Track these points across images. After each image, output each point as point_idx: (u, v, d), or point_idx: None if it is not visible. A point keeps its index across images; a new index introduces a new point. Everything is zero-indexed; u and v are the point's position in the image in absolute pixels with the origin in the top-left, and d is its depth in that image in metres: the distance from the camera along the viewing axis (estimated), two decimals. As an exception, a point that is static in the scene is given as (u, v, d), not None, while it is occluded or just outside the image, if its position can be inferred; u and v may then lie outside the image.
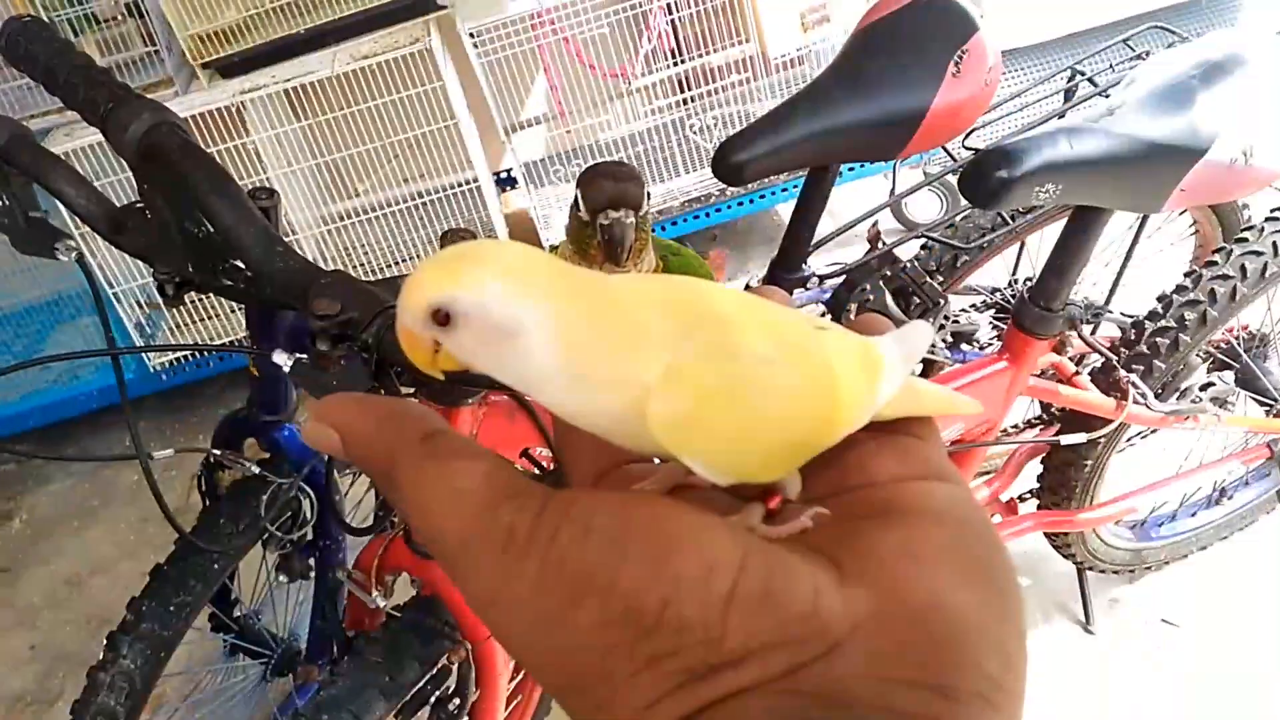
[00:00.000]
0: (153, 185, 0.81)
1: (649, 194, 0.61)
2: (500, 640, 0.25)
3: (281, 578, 1.35)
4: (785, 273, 1.40)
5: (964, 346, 1.58)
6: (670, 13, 2.49)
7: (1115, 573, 1.66)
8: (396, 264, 2.57)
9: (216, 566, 1.25)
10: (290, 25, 2.31)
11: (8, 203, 1.00)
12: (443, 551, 0.26)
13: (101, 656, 1.21)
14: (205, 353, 2.40)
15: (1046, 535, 1.55)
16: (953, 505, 0.27)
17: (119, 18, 2.32)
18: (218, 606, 1.46)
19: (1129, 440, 1.52)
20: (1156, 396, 1.28)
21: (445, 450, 0.27)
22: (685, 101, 2.62)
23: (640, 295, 0.27)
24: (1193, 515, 1.67)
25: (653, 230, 0.67)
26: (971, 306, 1.69)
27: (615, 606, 0.23)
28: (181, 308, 2.49)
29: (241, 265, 0.79)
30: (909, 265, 1.49)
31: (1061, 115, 1.40)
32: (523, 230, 2.67)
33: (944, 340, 1.49)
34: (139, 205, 0.87)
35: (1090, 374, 1.30)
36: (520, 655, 0.25)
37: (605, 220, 0.59)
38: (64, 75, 0.84)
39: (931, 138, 1.23)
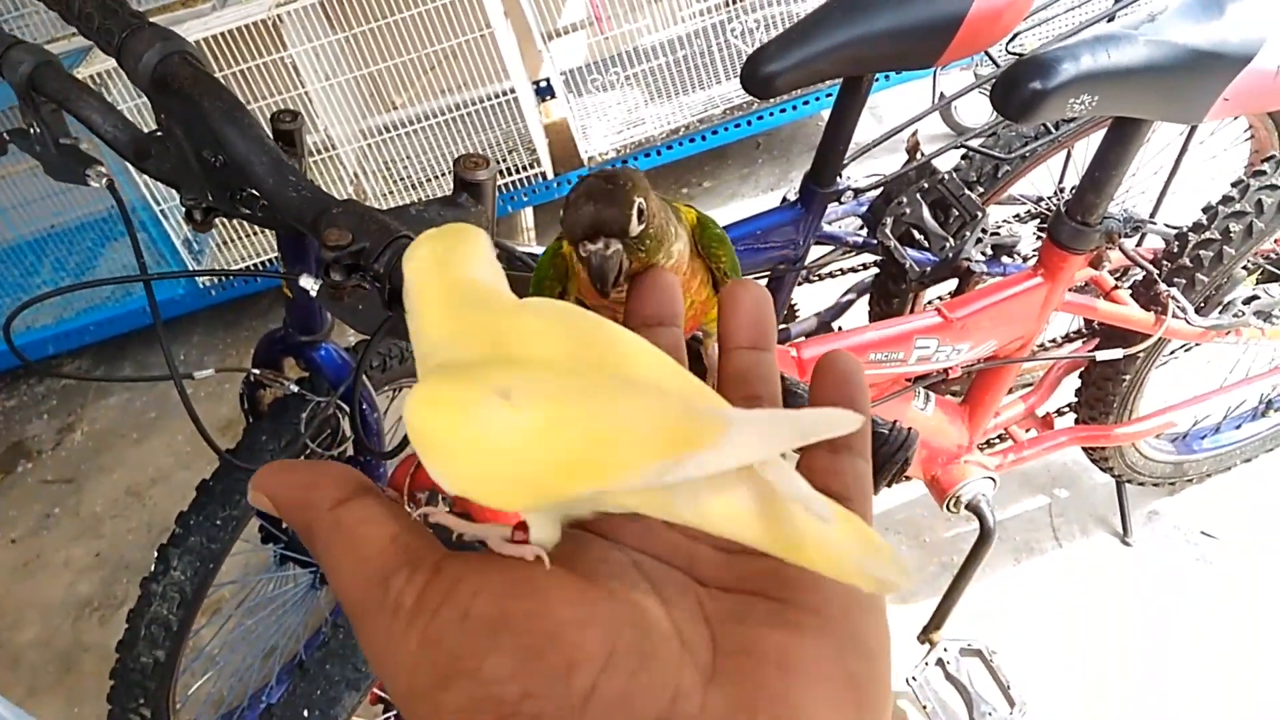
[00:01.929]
0: (169, 115, 0.82)
1: (640, 209, 0.51)
2: (389, 696, 0.27)
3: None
4: (819, 186, 1.37)
5: (1005, 259, 1.55)
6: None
7: (1155, 485, 1.64)
8: (437, 177, 2.58)
9: (260, 481, 1.29)
10: (322, -66, 2.28)
11: (39, 130, 1.01)
12: (346, 609, 0.28)
13: (153, 568, 1.27)
14: (234, 276, 2.44)
15: (1085, 449, 1.53)
16: (846, 613, 0.27)
17: (154, -69, 2.31)
18: (265, 519, 1.51)
19: (1171, 354, 1.49)
20: (1198, 310, 1.25)
21: (351, 519, 0.29)
22: (728, 3, 2.55)
23: (522, 331, 0.30)
24: (1237, 428, 1.64)
25: (671, 221, 0.55)
26: (1014, 217, 1.65)
27: (479, 692, 0.24)
28: (223, 225, 2.52)
29: (257, 194, 0.80)
30: (947, 177, 1.46)
31: (1111, 18, 1.34)
32: (562, 141, 2.64)
33: (983, 253, 1.46)
34: (159, 133, 0.87)
35: (1131, 287, 1.27)
36: (402, 713, 0.26)
37: (583, 253, 0.51)
38: (79, 4, 0.84)
39: (970, 44, 1.18)
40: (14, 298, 2.72)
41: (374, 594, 0.27)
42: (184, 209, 0.94)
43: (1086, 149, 1.46)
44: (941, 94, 1.72)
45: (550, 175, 2.56)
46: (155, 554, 1.26)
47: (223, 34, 2.23)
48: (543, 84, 2.81)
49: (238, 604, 1.59)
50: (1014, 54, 1.35)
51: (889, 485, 0.65)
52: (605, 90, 2.63)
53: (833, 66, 1.18)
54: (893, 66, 1.22)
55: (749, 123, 2.57)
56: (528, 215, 2.74)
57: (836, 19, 1.15)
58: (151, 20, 0.83)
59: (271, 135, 0.93)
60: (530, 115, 2.51)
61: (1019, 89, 0.92)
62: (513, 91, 2.44)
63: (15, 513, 2.41)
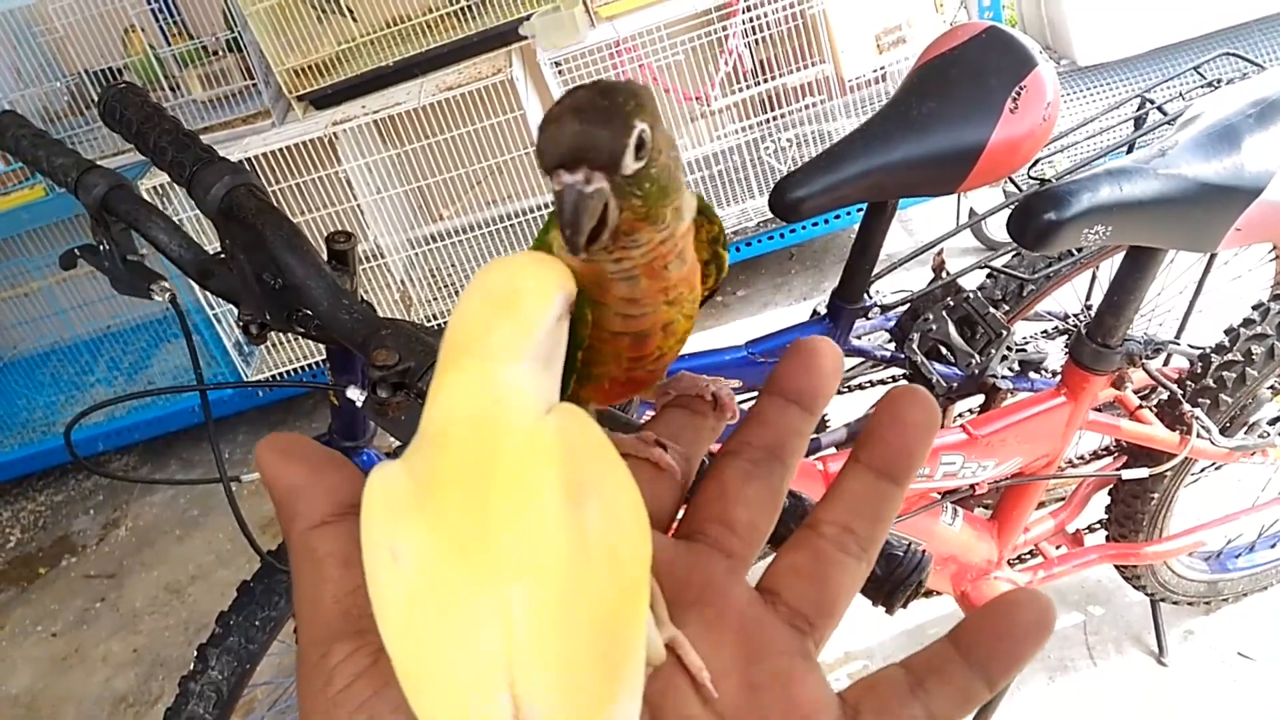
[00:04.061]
0: (233, 240, 0.88)
1: (642, 138, 0.37)
2: None
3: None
4: (846, 303, 1.42)
5: (1033, 375, 1.57)
6: (746, 36, 2.52)
7: (1190, 604, 1.63)
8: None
9: (299, 583, 1.32)
10: (380, 58, 2.42)
11: (108, 248, 1.09)
12: (298, 641, 0.28)
13: (192, 667, 1.29)
14: (285, 387, 2.52)
15: (1117, 567, 1.53)
16: None
17: (220, 52, 2.46)
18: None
19: (1199, 473, 1.49)
20: (1223, 431, 1.26)
21: (323, 550, 0.28)
22: (764, 123, 2.65)
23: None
24: (1272, 546, 1.62)
25: (683, 171, 0.41)
26: (1042, 334, 1.68)
27: None
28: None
29: (311, 314, 0.86)
30: (973, 295, 1.49)
31: (1130, 147, 1.39)
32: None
33: (1010, 369, 1.49)
34: (222, 255, 0.94)
35: (1156, 407, 1.29)
36: None
37: (556, 186, 0.37)
38: (154, 139, 0.91)
39: (990, 172, 1.24)
40: (68, 394, 2.82)
41: (315, 652, 0.27)
42: (241, 323, 1.00)
43: (1111, 269, 1.49)
44: (971, 210, 1.78)
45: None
46: (194, 653, 1.29)
47: (281, 149, 2.35)
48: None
49: (269, 705, 1.61)
50: (1035, 179, 1.40)
51: (904, 606, 0.66)
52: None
53: (856, 192, 1.24)
54: (915, 193, 1.27)
55: (782, 235, 2.64)
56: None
57: (860, 148, 1.21)
58: (221, 154, 0.90)
59: (326, 253, 0.99)
60: (571, 227, 2.60)
61: (1035, 220, 0.97)
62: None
63: (57, 607, 2.46)
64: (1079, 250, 1.46)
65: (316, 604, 0.28)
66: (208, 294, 2.45)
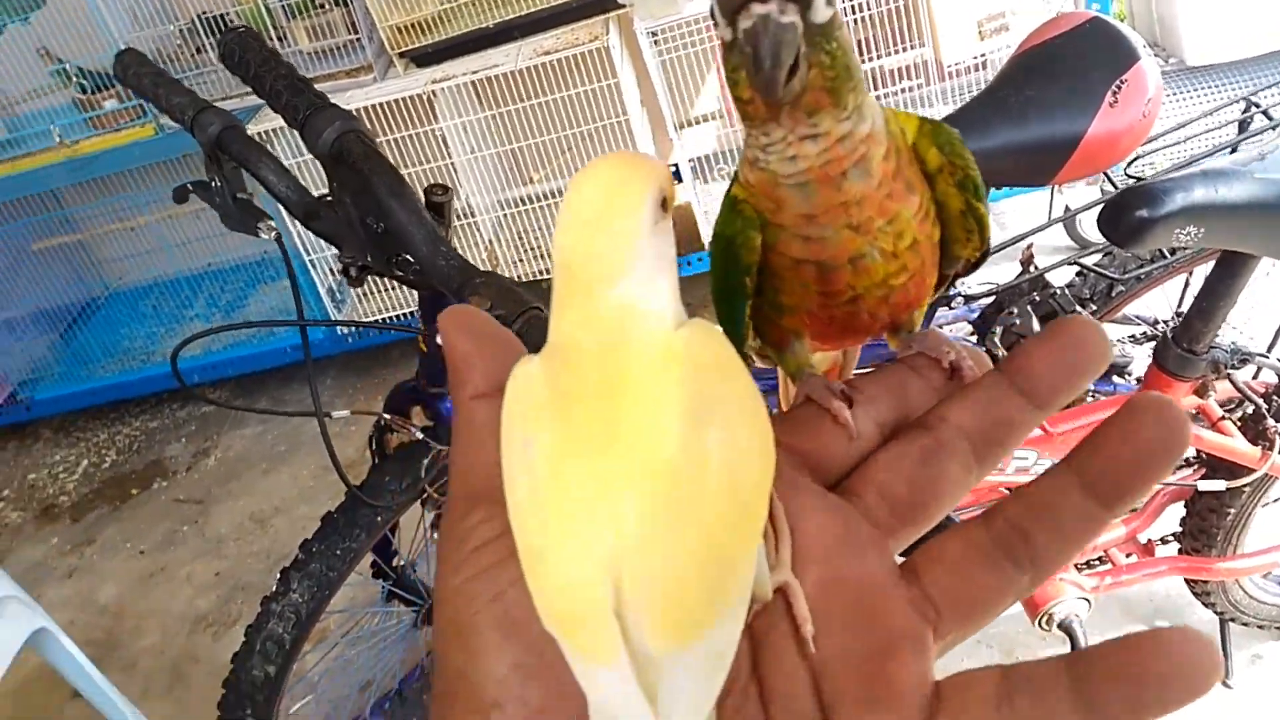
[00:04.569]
0: (340, 184, 0.93)
1: None
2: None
3: (436, 535, 1.49)
4: (971, 266, 1.42)
5: (1116, 379, 1.55)
6: (846, 15, 2.50)
7: (1260, 627, 1.59)
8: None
9: (380, 519, 1.39)
10: (480, 19, 2.46)
11: (219, 184, 1.15)
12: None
13: (274, 588, 1.37)
14: (377, 328, 2.60)
15: (1187, 581, 1.51)
16: None
17: (326, 5, 2.52)
18: (379, 555, 1.60)
19: (1282, 493, 1.46)
20: (1309, 446, 1.24)
21: (480, 418, 0.31)
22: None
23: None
24: (1354, 573, 1.58)
25: (855, 77, 0.36)
26: (1130, 338, 1.65)
27: (460, 675, 0.29)
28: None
29: (410, 259, 0.90)
30: (1060, 291, 1.48)
31: (1233, 150, 1.36)
32: (684, 223, 2.74)
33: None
34: (329, 198, 0.99)
35: (1240, 420, 1.27)
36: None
37: (746, 23, 0.34)
38: (270, 82, 0.96)
39: (1086, 165, 1.22)
40: (168, 327, 2.95)
41: (460, 509, 0.30)
42: (341, 264, 1.05)
43: (1205, 274, 1.47)
44: (1066, 206, 1.75)
45: (672, 255, 2.65)
46: (277, 575, 1.36)
47: (382, 104, 2.42)
48: (671, 168, 2.93)
49: (343, 634, 1.68)
50: (1132, 177, 1.38)
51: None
52: (729, 179, 2.73)
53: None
54: (1008, 182, 1.26)
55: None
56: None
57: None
58: (331, 100, 0.95)
59: (425, 205, 1.04)
60: (658, 197, 2.62)
61: (1126, 216, 0.96)
62: (643, 173, 2.56)
63: (147, 526, 2.59)
64: (1171, 253, 1.44)
65: (469, 467, 0.30)
66: (305, 239, 2.54)
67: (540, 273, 2.66)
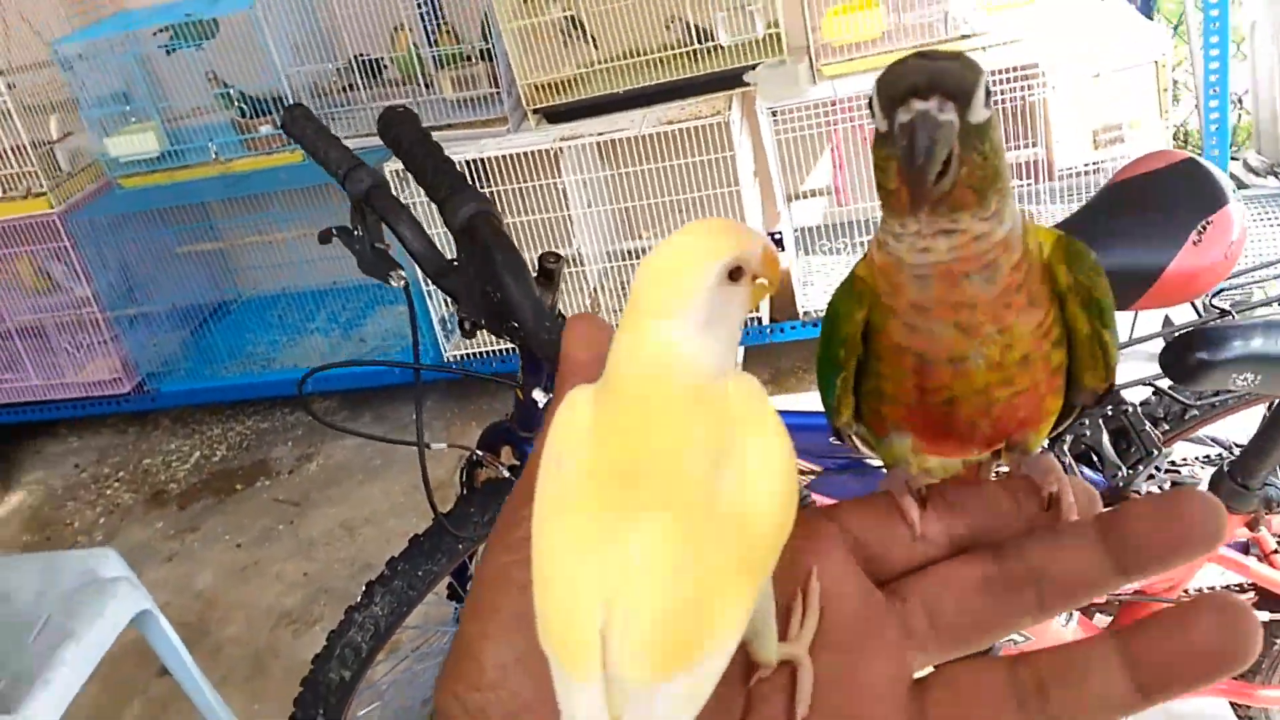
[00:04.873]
0: (467, 255, 1.05)
1: (990, 90, 0.36)
2: None
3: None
4: (1096, 399, 1.47)
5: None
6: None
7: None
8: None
9: (461, 546, 1.50)
10: (612, 85, 2.61)
11: (360, 234, 1.29)
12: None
13: (359, 599, 1.49)
14: (484, 379, 2.75)
15: (1230, 704, 1.51)
16: None
17: (472, 59, 2.71)
18: (455, 579, 1.72)
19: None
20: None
21: (559, 423, 0.33)
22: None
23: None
24: None
25: (1002, 179, 0.37)
26: (1203, 458, 1.67)
27: (482, 670, 0.32)
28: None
29: (518, 326, 1.01)
30: (1133, 408, 1.52)
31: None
32: (783, 291, 2.82)
33: (1160, 486, 1.50)
34: (455, 263, 1.11)
35: (1296, 553, 1.29)
36: None
37: (904, 116, 0.34)
38: (419, 159, 1.10)
39: (1164, 297, 1.27)
40: (290, 337, 3.15)
41: (521, 497, 0.32)
42: (459, 318, 1.18)
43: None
44: (1166, 318, 1.77)
45: (765, 321, 2.74)
46: (363, 587, 1.48)
47: (511, 155, 2.58)
48: (776, 235, 3.02)
49: (413, 648, 1.80)
50: (1216, 307, 1.42)
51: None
52: (832, 254, 2.81)
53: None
54: (1086, 304, 1.32)
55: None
56: (739, 354, 2.93)
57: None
58: (469, 184, 1.07)
59: (537, 268, 1.15)
60: (759, 266, 2.71)
61: (1186, 356, 1.02)
62: (748, 242, 2.66)
63: (246, 521, 2.77)
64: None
65: (535, 455, 0.33)
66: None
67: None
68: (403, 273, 1.28)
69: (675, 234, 0.34)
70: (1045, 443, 1.28)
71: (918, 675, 0.36)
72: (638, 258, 2.78)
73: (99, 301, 2.95)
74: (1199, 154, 2.55)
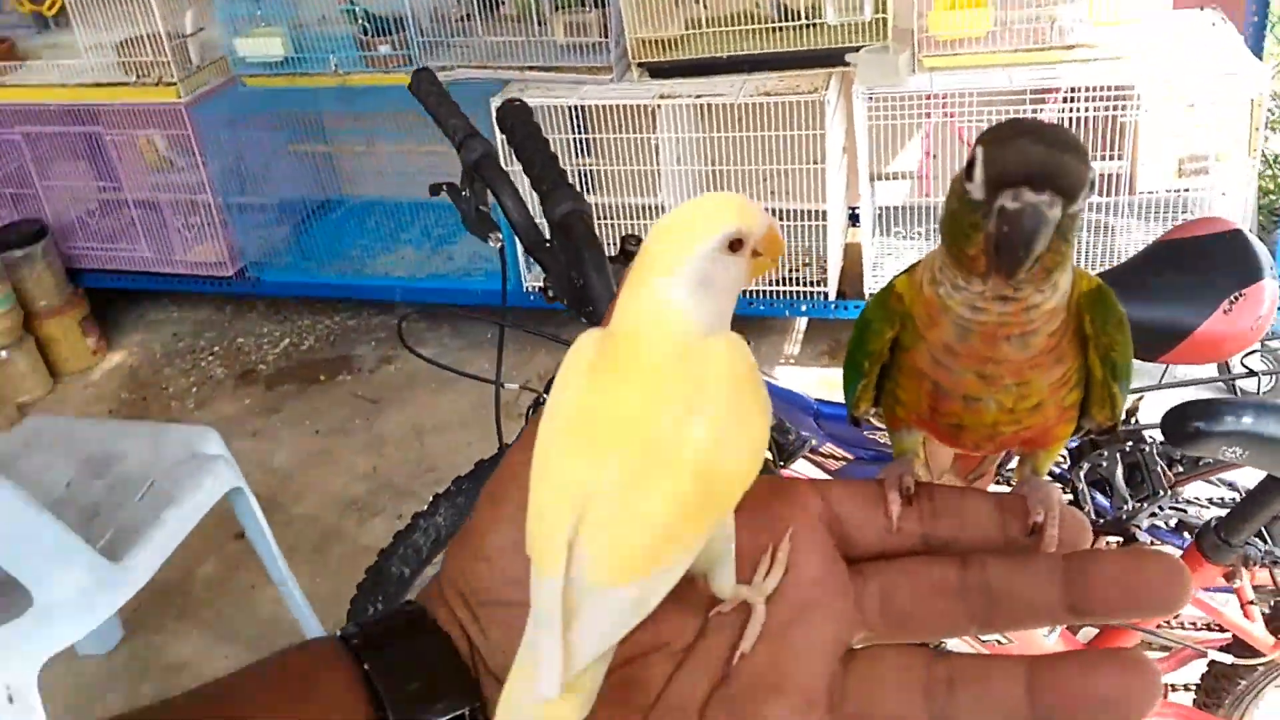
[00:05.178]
0: (561, 245, 1.20)
1: (1093, 183, 0.36)
2: None
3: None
4: (1100, 431, 1.59)
5: (1186, 535, 1.68)
6: (1063, 112, 2.60)
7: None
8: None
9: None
10: (717, 48, 2.70)
11: (468, 195, 1.43)
12: None
13: (426, 507, 1.67)
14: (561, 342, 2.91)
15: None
16: None
17: (586, 5, 2.81)
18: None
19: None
20: (1325, 651, 1.36)
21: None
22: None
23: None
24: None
25: (1070, 259, 0.39)
26: (1214, 500, 1.77)
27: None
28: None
29: (593, 312, 1.16)
30: (1151, 446, 1.62)
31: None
32: (852, 267, 2.91)
33: (1166, 523, 1.61)
34: (549, 244, 1.26)
35: (1270, 607, 1.40)
36: None
37: (1011, 204, 0.34)
38: (529, 152, 1.24)
39: (1193, 355, 1.38)
40: (384, 244, 3.34)
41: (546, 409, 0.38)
42: (543, 286, 1.33)
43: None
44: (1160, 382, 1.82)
45: (832, 296, 2.85)
46: (431, 498, 1.66)
47: (610, 105, 2.69)
48: (854, 210, 3.10)
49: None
50: (1246, 367, 1.51)
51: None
52: (908, 238, 2.89)
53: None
54: (1117, 350, 1.42)
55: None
56: (801, 324, 3.05)
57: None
58: (570, 182, 1.21)
59: (619, 247, 1.29)
60: (834, 241, 2.81)
61: (1184, 423, 1.13)
62: (825, 216, 2.75)
63: (325, 410, 3.00)
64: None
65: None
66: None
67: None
68: (500, 235, 1.43)
69: (688, 202, 0.38)
70: (1067, 457, 1.37)
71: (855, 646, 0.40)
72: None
73: (212, 187, 3.16)
74: (1275, 182, 2.56)
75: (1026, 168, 0.35)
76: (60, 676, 1.50)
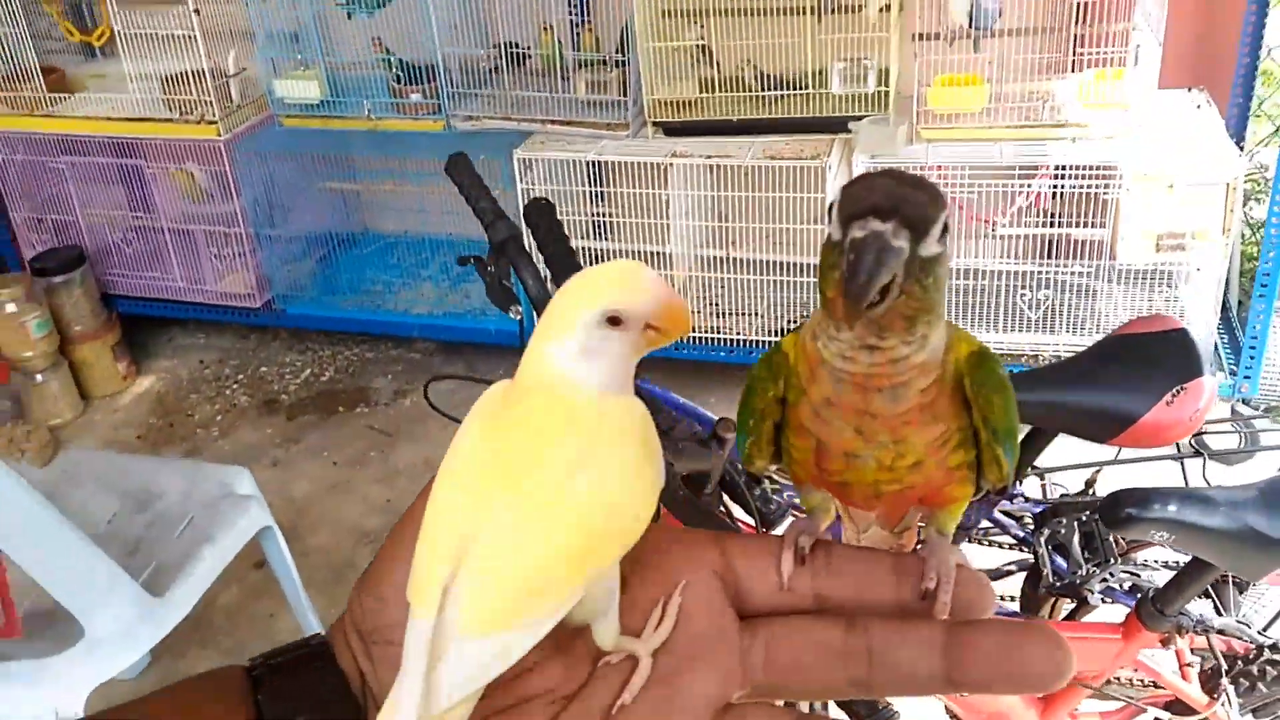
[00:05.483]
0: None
1: (948, 226, 0.38)
2: None
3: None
4: (996, 491, 1.73)
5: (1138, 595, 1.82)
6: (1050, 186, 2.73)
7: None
8: (743, 314, 3.07)
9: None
10: (728, 112, 2.86)
11: (492, 270, 1.59)
12: None
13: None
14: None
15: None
16: None
17: (608, 65, 2.97)
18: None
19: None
20: (1254, 713, 1.50)
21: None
22: (1029, 274, 2.87)
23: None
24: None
25: (935, 311, 0.40)
26: (1166, 563, 1.90)
27: None
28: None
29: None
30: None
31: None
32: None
33: (1117, 585, 1.75)
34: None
35: (1205, 669, 1.54)
36: None
37: (858, 232, 0.36)
38: (549, 248, 1.40)
39: (1138, 440, 1.52)
40: (404, 281, 3.49)
41: None
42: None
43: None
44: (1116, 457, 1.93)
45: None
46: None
47: (627, 162, 2.86)
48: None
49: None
50: (1194, 446, 1.65)
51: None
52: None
53: (1023, 415, 1.56)
54: (1072, 433, 1.57)
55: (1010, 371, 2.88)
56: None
57: (1034, 381, 1.53)
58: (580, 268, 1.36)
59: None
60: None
61: (1118, 509, 1.27)
62: (825, 274, 2.90)
63: (343, 442, 3.15)
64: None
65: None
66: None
67: (715, 329, 3.04)
68: (520, 308, 1.59)
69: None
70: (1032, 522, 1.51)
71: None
72: (724, 266, 3.05)
73: (245, 220, 3.32)
74: (1258, 248, 2.69)
75: (872, 199, 0.37)
76: (94, 699, 1.64)
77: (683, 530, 0.44)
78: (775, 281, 2.99)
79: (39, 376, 3.30)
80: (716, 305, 3.11)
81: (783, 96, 2.85)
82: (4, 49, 3.30)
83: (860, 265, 0.36)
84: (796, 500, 1.57)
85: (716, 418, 1.34)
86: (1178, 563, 1.85)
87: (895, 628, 0.39)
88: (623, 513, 0.38)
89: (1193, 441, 1.72)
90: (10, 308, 3.21)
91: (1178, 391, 1.47)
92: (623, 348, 0.39)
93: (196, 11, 3.07)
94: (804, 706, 1.32)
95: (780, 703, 0.41)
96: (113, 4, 3.09)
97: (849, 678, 0.39)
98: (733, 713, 0.39)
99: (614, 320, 0.39)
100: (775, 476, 1.63)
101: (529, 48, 3.06)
